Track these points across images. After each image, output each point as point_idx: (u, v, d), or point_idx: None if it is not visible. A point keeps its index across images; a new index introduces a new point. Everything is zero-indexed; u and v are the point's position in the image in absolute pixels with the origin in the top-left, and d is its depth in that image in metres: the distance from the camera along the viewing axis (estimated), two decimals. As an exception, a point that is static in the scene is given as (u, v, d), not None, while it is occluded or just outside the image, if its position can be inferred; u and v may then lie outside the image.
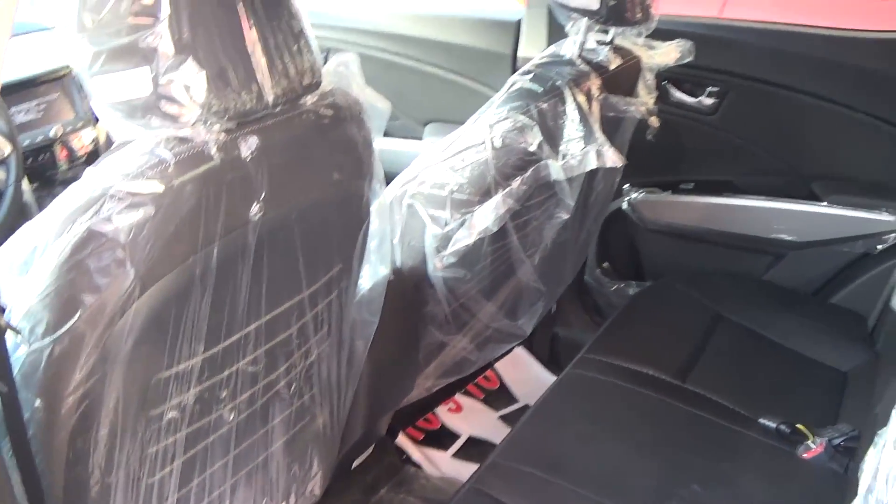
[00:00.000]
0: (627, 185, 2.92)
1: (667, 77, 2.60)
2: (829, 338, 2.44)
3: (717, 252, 2.90)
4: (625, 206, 2.95)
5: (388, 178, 1.63)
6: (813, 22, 2.68)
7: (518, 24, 2.87)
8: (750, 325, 2.45)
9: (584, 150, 1.99)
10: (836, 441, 1.93)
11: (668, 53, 2.35)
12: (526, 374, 2.90)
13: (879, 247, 2.61)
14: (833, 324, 2.54)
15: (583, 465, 1.85)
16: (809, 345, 2.37)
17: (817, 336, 2.44)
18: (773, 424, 2.01)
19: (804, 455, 1.93)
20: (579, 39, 2.19)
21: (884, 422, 1.32)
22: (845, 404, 2.15)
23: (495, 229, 1.92)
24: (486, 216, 1.90)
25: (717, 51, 2.67)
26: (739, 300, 2.60)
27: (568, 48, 2.20)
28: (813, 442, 1.94)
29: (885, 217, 2.58)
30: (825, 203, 2.68)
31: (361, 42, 3.16)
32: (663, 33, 2.33)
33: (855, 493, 1.30)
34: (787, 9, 2.78)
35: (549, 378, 2.83)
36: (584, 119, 2.00)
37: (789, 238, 2.73)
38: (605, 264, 3.10)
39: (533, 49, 2.68)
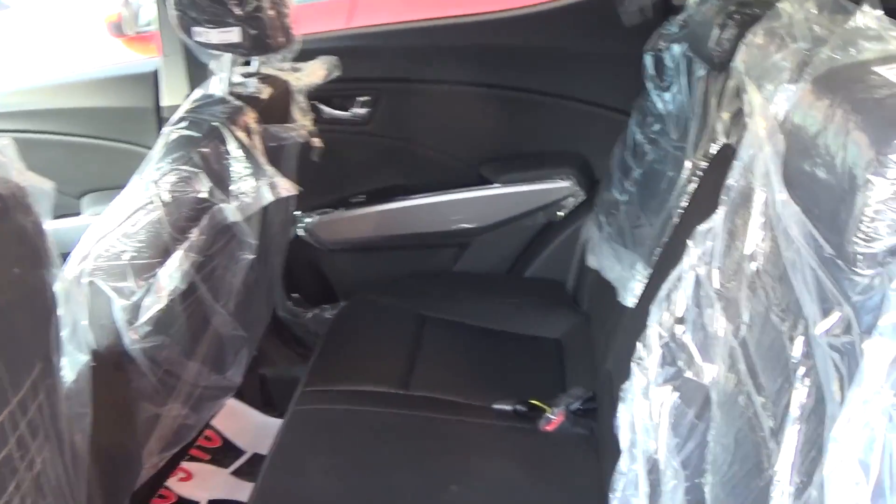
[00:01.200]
0: (298, 211, 2.88)
1: (315, 96, 2.58)
2: (534, 310, 2.52)
3: (403, 256, 2.93)
4: (301, 232, 2.92)
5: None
6: (440, 14, 2.74)
7: (155, 74, 2.74)
8: (454, 318, 2.48)
9: (256, 187, 1.94)
10: (574, 406, 1.99)
11: (315, 72, 2.34)
12: (244, 424, 2.82)
13: (560, 213, 2.72)
14: (534, 296, 2.63)
15: (339, 500, 1.83)
16: (517, 322, 2.44)
17: (522, 312, 2.51)
18: (508, 407, 2.05)
19: (546, 427, 1.98)
20: (225, 76, 2.13)
21: (624, 376, 1.35)
22: (569, 369, 2.23)
23: (184, 287, 1.84)
24: (172, 275, 1.82)
25: (361, 60, 2.69)
26: (437, 297, 2.64)
27: (215, 87, 2.13)
28: (552, 413, 1.99)
29: (559, 184, 2.69)
30: (497, 185, 2.76)
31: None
32: (306, 53, 2.30)
33: (610, 450, 1.33)
34: (413, 6, 2.84)
35: (268, 421, 2.76)
36: (249, 155, 1.95)
37: (470, 226, 2.80)
38: (295, 295, 3.05)
39: (176, 96, 2.58)
